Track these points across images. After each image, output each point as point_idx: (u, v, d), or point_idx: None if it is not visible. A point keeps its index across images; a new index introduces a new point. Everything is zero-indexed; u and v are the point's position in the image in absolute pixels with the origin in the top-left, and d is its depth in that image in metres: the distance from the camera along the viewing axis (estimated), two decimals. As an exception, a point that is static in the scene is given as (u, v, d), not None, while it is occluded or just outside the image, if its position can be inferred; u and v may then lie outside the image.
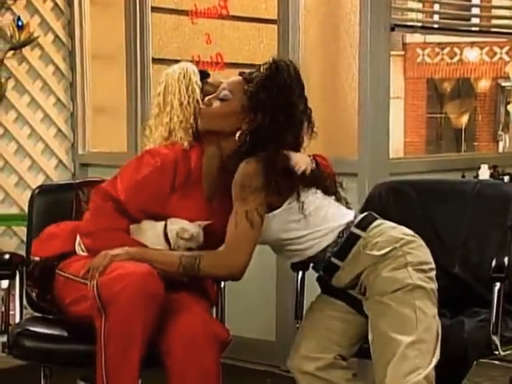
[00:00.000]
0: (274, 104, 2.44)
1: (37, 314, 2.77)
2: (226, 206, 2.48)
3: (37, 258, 2.63)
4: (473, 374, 2.61)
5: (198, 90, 2.61)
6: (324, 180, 2.51)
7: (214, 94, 2.56)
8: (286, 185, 2.42)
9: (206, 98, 2.56)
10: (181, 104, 2.58)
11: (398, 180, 3.03)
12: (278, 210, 2.44)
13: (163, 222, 2.53)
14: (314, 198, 2.46)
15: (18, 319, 2.71)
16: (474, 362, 2.50)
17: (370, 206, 2.82)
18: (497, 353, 2.50)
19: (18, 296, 2.73)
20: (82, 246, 2.58)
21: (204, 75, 2.66)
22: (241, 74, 2.57)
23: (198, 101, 2.59)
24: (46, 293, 2.63)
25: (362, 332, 2.47)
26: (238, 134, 2.48)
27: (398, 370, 2.28)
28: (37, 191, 2.96)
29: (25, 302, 2.74)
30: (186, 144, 2.57)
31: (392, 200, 2.89)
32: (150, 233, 2.53)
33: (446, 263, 2.65)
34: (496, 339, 2.47)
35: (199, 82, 2.62)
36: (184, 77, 2.61)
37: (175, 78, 2.61)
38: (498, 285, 2.49)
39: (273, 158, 2.41)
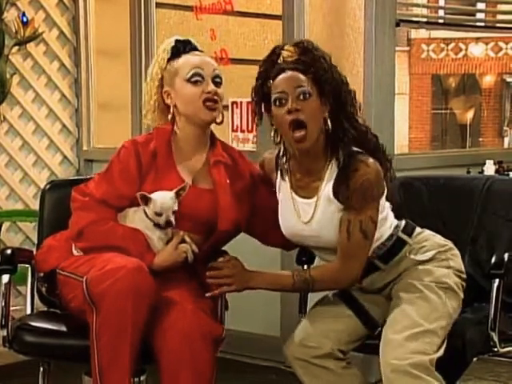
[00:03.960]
0: (338, 80, 2.36)
1: (43, 309, 2.78)
2: (226, 196, 2.53)
3: (41, 274, 2.66)
4: (478, 370, 2.60)
5: (156, 70, 2.59)
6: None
7: (290, 102, 2.32)
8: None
9: (290, 107, 2.33)
10: (147, 82, 2.65)
11: (409, 176, 3.02)
12: None
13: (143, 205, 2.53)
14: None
15: (28, 313, 2.73)
16: (475, 359, 2.49)
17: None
18: (495, 349, 2.48)
19: (29, 290, 2.75)
20: (78, 249, 2.59)
21: (186, 47, 2.61)
22: (285, 68, 2.35)
23: (156, 79, 2.59)
24: (55, 288, 2.63)
25: (366, 333, 2.49)
26: (329, 125, 2.34)
27: (405, 347, 2.26)
28: (47, 187, 2.97)
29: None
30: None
31: (403, 195, 2.89)
32: (136, 218, 2.53)
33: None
34: (494, 335, 2.46)
35: (164, 60, 2.59)
36: (158, 56, 2.63)
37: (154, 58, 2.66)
38: (496, 281, 2.48)
39: (383, 156, 2.37)
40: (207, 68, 2.57)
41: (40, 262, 2.66)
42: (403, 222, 2.47)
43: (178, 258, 2.49)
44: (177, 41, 2.63)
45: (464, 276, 2.45)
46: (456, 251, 2.48)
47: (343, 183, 2.33)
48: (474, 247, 2.74)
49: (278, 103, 2.35)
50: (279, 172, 2.50)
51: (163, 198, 2.49)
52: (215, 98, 2.55)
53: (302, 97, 2.32)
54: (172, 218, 2.49)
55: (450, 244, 2.47)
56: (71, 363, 2.55)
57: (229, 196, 2.56)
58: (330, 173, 2.38)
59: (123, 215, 2.55)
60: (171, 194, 2.49)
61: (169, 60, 2.60)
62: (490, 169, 4.05)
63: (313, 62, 2.34)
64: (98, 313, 2.34)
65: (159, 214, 2.49)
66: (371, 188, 2.31)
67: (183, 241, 2.51)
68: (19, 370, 3.51)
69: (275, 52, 2.41)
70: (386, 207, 2.44)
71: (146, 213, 2.51)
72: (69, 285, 2.52)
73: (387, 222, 2.44)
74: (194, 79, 2.55)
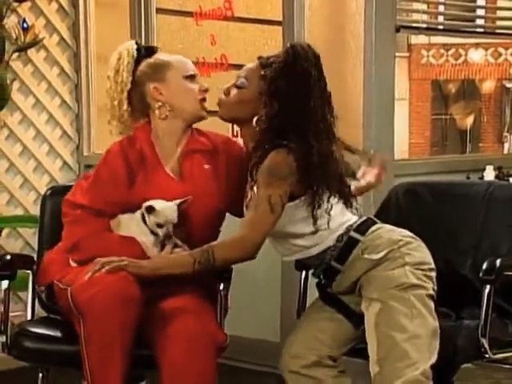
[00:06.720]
0: (291, 91, 2.38)
1: (44, 315, 2.78)
2: (201, 186, 2.55)
3: (42, 288, 2.66)
4: (476, 376, 2.59)
5: (125, 74, 2.63)
6: (347, 188, 2.48)
7: (232, 83, 2.53)
8: (310, 180, 2.38)
9: (225, 87, 2.53)
10: (110, 88, 2.69)
11: (414, 182, 3.03)
12: (293, 202, 2.40)
13: (140, 210, 2.52)
14: (329, 200, 2.44)
15: (29, 319, 2.75)
16: (469, 364, 2.47)
17: (386, 208, 2.83)
18: (487, 356, 2.46)
19: (30, 296, 2.76)
20: (74, 261, 2.59)
21: (149, 51, 2.68)
22: (259, 58, 2.52)
23: (126, 84, 2.64)
24: (54, 295, 2.63)
25: (354, 335, 2.49)
26: (255, 120, 2.43)
27: (395, 365, 2.27)
28: (48, 192, 2.97)
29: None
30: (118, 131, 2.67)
31: (408, 201, 2.90)
32: (131, 224, 2.52)
33: (457, 265, 2.65)
34: (485, 342, 2.43)
35: (131, 64, 2.63)
36: (118, 59, 2.66)
37: (112, 63, 2.68)
38: (487, 287, 2.45)
39: (306, 151, 2.36)
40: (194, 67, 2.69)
41: (40, 276, 2.67)
42: (360, 221, 2.46)
43: None
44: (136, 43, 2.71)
45: (427, 266, 2.39)
46: (415, 243, 2.41)
47: (257, 165, 2.40)
48: (476, 253, 2.73)
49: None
50: None
51: (167, 210, 2.48)
52: (206, 96, 2.65)
53: (238, 84, 2.50)
54: (171, 231, 2.50)
55: (407, 238, 2.42)
56: (70, 369, 2.55)
57: (201, 184, 2.58)
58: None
59: (116, 222, 2.55)
60: (174, 207, 2.49)
61: (136, 62, 2.64)
62: (489, 174, 4.06)
63: (277, 65, 2.41)
64: (84, 322, 2.34)
65: (160, 226, 2.49)
66: (276, 169, 2.35)
67: (176, 245, 2.52)
68: (18, 375, 3.51)
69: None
70: (328, 209, 2.42)
71: (144, 219, 2.51)
72: (62, 296, 2.51)
73: (333, 222, 2.43)
74: (193, 77, 2.64)
